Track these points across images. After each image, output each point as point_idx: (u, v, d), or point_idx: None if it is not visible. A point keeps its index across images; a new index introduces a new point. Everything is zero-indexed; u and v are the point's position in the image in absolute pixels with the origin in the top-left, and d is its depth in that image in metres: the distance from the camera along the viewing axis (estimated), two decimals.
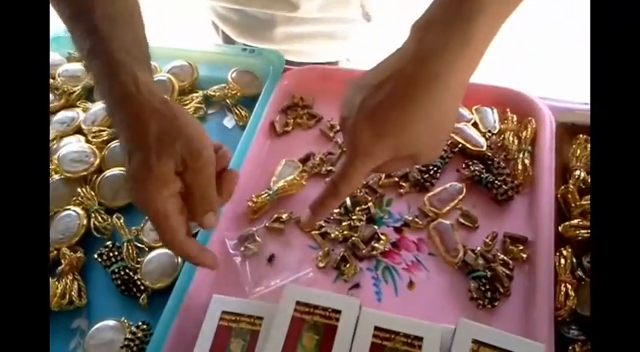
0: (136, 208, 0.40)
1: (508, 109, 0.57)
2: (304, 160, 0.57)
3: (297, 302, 0.42)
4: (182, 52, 0.70)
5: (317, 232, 0.52)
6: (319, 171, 0.56)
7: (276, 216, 0.53)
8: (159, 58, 0.69)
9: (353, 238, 0.50)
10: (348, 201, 0.53)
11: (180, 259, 0.50)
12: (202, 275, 0.48)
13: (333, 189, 0.39)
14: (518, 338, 0.38)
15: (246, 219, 0.54)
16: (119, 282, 0.49)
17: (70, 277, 0.50)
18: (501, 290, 0.45)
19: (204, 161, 0.39)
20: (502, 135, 0.55)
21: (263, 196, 0.53)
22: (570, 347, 0.40)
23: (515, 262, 0.47)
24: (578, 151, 0.52)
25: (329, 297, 0.42)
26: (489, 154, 0.54)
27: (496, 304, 0.44)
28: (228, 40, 0.82)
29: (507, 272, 0.46)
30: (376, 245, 0.50)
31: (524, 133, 0.55)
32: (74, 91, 0.68)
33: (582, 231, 0.46)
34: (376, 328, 0.40)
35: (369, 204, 0.53)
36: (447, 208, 0.51)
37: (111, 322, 0.47)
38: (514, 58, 1.55)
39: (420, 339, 0.39)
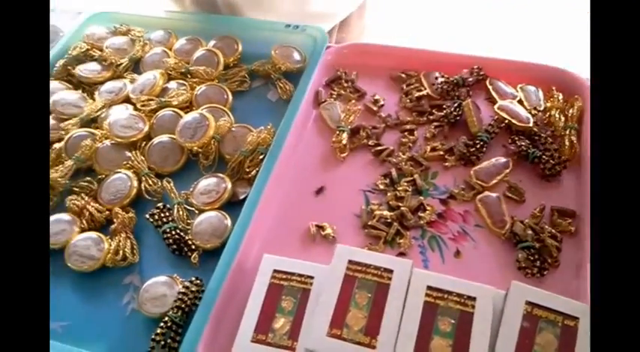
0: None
1: (554, 87, 0.58)
2: (355, 131, 0.58)
3: (350, 261, 0.43)
4: (224, 26, 0.71)
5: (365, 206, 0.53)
6: (366, 144, 0.57)
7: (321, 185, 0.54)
8: (200, 31, 0.71)
9: (402, 207, 0.51)
10: (394, 172, 0.54)
11: (229, 222, 0.51)
12: (252, 236, 0.49)
13: None
14: (569, 300, 0.39)
15: None
16: (171, 241, 0.51)
17: (123, 235, 0.52)
18: (550, 261, 0.46)
19: None
20: (548, 113, 0.56)
21: None
22: None
23: (563, 235, 0.48)
24: None
25: (380, 257, 0.43)
26: (536, 130, 0.54)
27: (545, 273, 0.45)
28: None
29: (556, 244, 0.47)
30: (422, 215, 0.51)
31: (570, 111, 0.55)
32: (121, 63, 0.69)
33: None
34: (429, 288, 0.41)
35: (415, 175, 0.54)
36: (494, 181, 0.52)
37: (163, 278, 0.48)
38: (561, 35, 1.55)
39: (473, 299, 0.40)
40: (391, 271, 0.42)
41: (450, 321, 0.39)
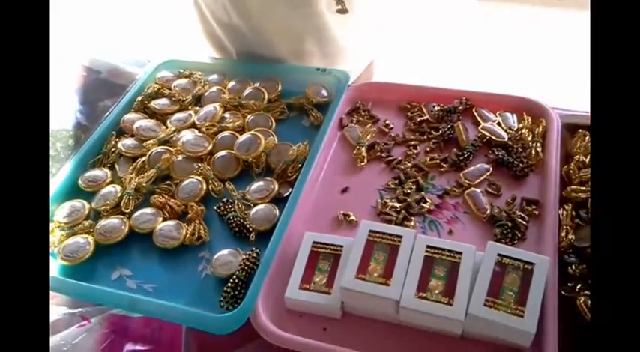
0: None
1: (524, 113, 0.75)
2: (371, 146, 0.75)
3: (371, 231, 0.59)
4: (267, 70, 0.91)
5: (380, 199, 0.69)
6: (380, 156, 0.74)
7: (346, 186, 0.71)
8: (246, 72, 0.90)
9: (408, 200, 0.67)
10: (402, 175, 0.71)
11: (277, 211, 0.68)
12: (295, 221, 0.66)
13: None
14: (528, 252, 0.54)
15: None
16: (233, 225, 0.67)
17: (197, 222, 0.68)
18: (519, 234, 0.61)
19: None
20: (520, 131, 0.73)
21: None
22: (569, 267, 0.56)
23: (530, 217, 0.63)
24: (578, 142, 0.69)
25: (393, 228, 0.59)
26: (510, 143, 0.71)
27: (515, 242, 0.60)
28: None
29: (524, 223, 0.62)
30: (424, 205, 0.67)
31: (536, 130, 0.72)
32: (185, 99, 0.88)
33: (580, 194, 0.62)
34: (428, 246, 0.56)
35: (418, 178, 0.70)
36: (478, 181, 0.68)
37: (228, 250, 0.64)
38: (530, 71, 1.92)
39: (460, 253, 0.55)
40: (401, 237, 0.58)
41: (444, 269, 0.55)
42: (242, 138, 0.77)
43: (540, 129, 0.72)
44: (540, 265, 0.53)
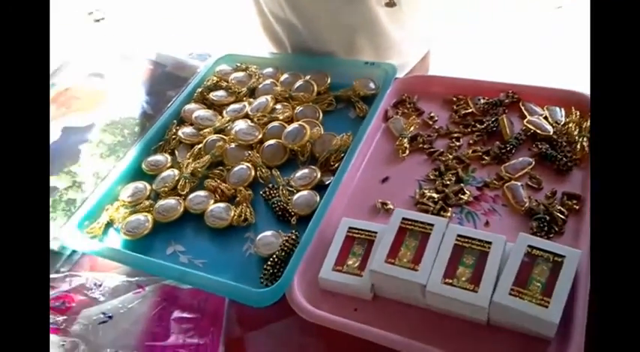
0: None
1: (573, 107, 0.73)
2: (413, 138, 0.77)
3: (404, 218, 0.61)
4: (318, 63, 0.94)
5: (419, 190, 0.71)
6: (422, 147, 0.76)
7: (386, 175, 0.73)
8: (298, 66, 0.94)
9: (446, 191, 0.68)
10: (442, 167, 0.72)
11: (318, 198, 0.71)
12: (334, 208, 0.69)
13: None
14: (559, 245, 0.54)
15: None
16: (277, 209, 0.71)
17: (244, 204, 0.73)
18: (556, 229, 0.61)
19: None
20: (567, 126, 0.71)
21: None
22: None
23: (570, 212, 0.62)
24: None
25: (425, 216, 0.61)
26: (555, 137, 0.70)
27: (551, 236, 0.60)
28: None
29: (562, 217, 0.62)
30: (462, 197, 0.68)
31: (584, 124, 0.70)
32: (241, 91, 0.94)
33: None
34: (458, 235, 0.58)
35: (458, 169, 0.71)
36: (519, 174, 0.68)
37: (271, 232, 0.69)
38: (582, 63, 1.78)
39: (490, 243, 0.56)
40: (432, 225, 0.59)
41: (472, 258, 0.56)
42: (289, 128, 0.82)
43: (588, 123, 0.70)
44: (571, 258, 0.52)
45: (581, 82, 0.80)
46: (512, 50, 2.14)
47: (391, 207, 0.69)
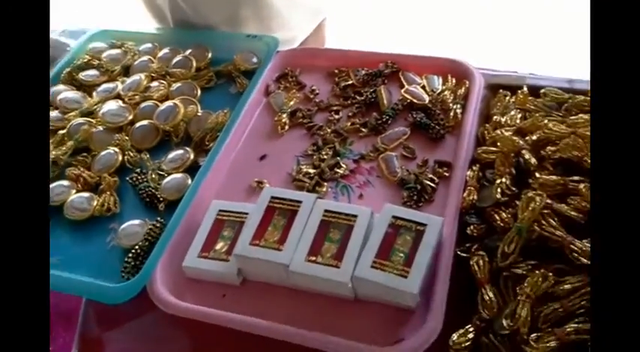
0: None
1: (449, 75, 0.73)
2: (293, 113, 0.73)
3: (272, 197, 0.57)
4: (199, 38, 0.88)
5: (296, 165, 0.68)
6: (302, 122, 0.73)
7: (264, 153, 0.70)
8: (178, 41, 0.88)
9: (322, 165, 0.66)
10: (319, 141, 0.69)
11: (190, 180, 0.66)
12: (205, 189, 0.64)
13: None
14: (422, 213, 0.53)
15: None
16: (144, 195, 0.66)
17: (108, 193, 0.67)
18: (426, 197, 0.60)
19: None
20: (442, 94, 0.71)
21: None
22: (468, 228, 0.55)
23: (441, 179, 0.62)
24: (498, 102, 0.67)
25: (294, 193, 0.58)
26: (429, 106, 0.69)
27: (420, 205, 0.59)
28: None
29: (432, 185, 0.61)
30: (338, 170, 0.65)
31: (458, 91, 0.70)
32: (115, 70, 0.86)
33: (490, 155, 0.61)
34: (326, 211, 0.55)
35: (335, 143, 0.69)
36: (394, 144, 0.67)
37: (137, 221, 0.63)
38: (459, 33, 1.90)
39: (355, 216, 0.54)
40: (300, 202, 0.56)
41: (339, 232, 0.53)
42: (162, 107, 0.76)
43: (463, 90, 0.70)
44: (432, 226, 0.51)
45: (460, 51, 0.80)
46: (412, 19, 2.12)
47: (267, 185, 0.65)
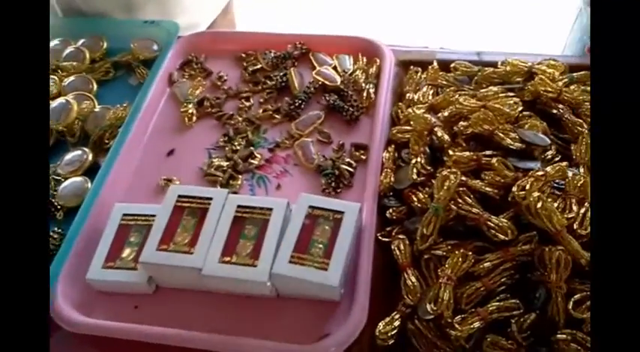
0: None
1: (360, 53, 0.71)
2: (200, 102, 0.69)
3: (179, 196, 0.53)
4: (92, 27, 0.80)
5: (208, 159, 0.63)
6: (211, 112, 0.68)
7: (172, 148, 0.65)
8: (68, 31, 0.79)
9: (234, 157, 0.62)
10: (231, 131, 0.65)
11: (90, 184, 0.60)
12: (108, 193, 0.59)
13: None
14: (340, 201, 0.51)
15: None
16: None
17: None
18: (345, 182, 0.58)
19: None
20: (353, 74, 0.69)
21: None
22: (387, 212, 0.54)
23: (358, 163, 0.60)
24: (410, 79, 0.66)
25: (203, 190, 0.54)
26: (342, 87, 0.67)
27: (339, 191, 0.57)
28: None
29: (350, 170, 0.59)
30: (252, 161, 0.62)
31: (370, 70, 0.68)
32: None
33: (404, 134, 0.60)
34: (239, 206, 0.52)
35: (248, 132, 0.65)
36: (309, 130, 0.64)
37: None
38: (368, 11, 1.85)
39: (270, 210, 0.51)
40: (210, 199, 0.53)
41: (254, 228, 0.50)
42: (53, 104, 0.68)
43: (374, 69, 0.68)
44: (349, 213, 0.50)
45: (370, 29, 0.79)
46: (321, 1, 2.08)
47: (177, 183, 0.61)
